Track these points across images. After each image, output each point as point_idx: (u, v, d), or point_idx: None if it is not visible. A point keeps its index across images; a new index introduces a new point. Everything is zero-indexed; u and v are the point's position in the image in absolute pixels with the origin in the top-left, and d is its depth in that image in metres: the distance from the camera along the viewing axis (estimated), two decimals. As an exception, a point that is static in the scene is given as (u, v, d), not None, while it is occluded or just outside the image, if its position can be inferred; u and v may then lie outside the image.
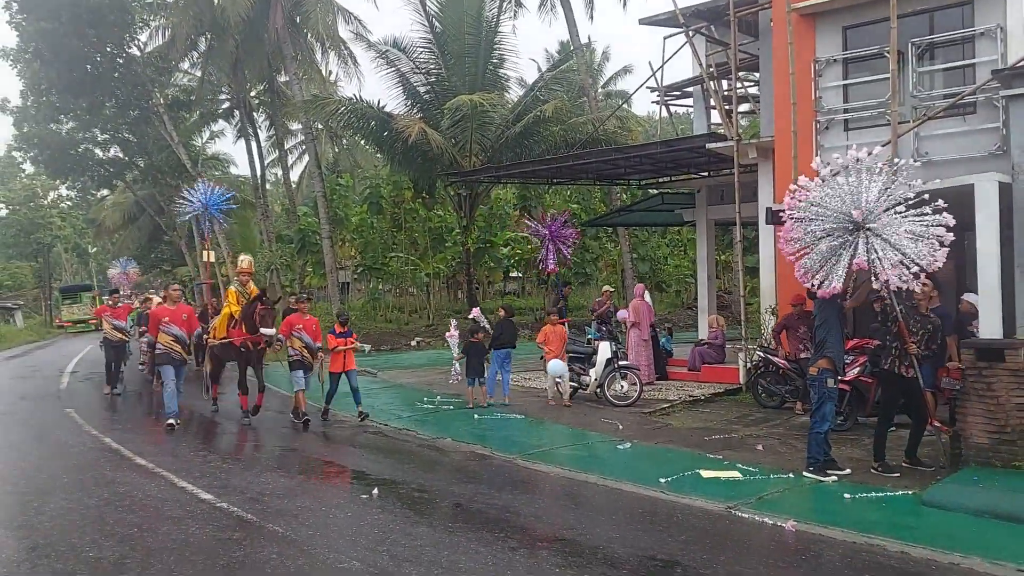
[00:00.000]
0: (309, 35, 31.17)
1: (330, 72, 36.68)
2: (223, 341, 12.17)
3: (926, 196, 7.58)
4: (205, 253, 20.11)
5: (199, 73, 34.61)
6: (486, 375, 12.86)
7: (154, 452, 9.81)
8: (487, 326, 14.06)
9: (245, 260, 12.77)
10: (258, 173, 35.71)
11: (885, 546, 5.96)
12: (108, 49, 31.91)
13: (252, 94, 36.14)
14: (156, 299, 17.11)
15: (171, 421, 11.28)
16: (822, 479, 7.86)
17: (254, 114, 36.84)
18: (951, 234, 7.43)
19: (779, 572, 5.65)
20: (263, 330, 11.40)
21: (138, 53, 33.21)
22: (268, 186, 43.29)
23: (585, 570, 5.54)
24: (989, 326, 9.44)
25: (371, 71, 57.89)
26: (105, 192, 46.36)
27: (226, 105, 37.42)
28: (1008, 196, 9.76)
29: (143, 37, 33.31)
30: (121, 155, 38.70)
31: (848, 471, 8.02)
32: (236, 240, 37.29)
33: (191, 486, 7.95)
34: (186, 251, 41.50)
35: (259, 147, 36.80)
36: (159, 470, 8.72)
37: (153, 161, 36.36)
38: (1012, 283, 9.74)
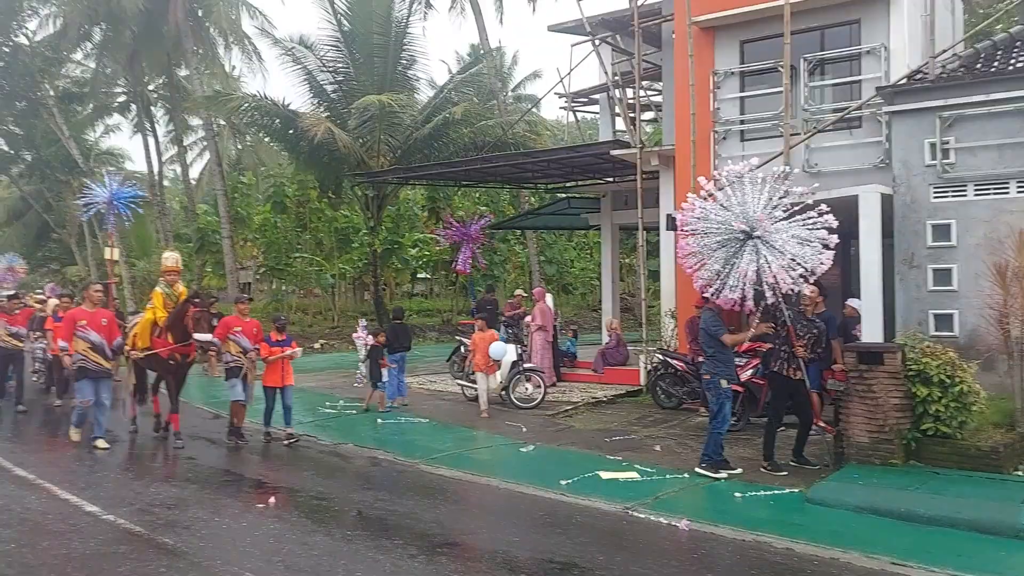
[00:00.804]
0: (212, 29, 30.27)
1: (233, 67, 35.77)
2: (147, 353, 10.62)
3: (810, 201, 7.99)
4: (108, 250, 18.98)
5: (93, 65, 33.07)
6: (384, 380, 12.74)
7: (37, 463, 9.32)
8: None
9: (171, 258, 11.32)
10: (155, 170, 34.41)
11: (772, 543, 6.20)
12: (-7, 38, 30.21)
13: (150, 88, 34.80)
14: (53, 301, 15.72)
15: (76, 435, 10.14)
16: (714, 476, 8.14)
17: (152, 108, 35.48)
18: (835, 236, 7.85)
19: (672, 570, 5.79)
20: (197, 336, 10.01)
21: (26, 42, 31.51)
22: (166, 183, 41.74)
23: (483, 575, 5.57)
24: (871, 330, 9.95)
25: (277, 68, 56.65)
26: (-12, 186, 43.82)
27: (122, 99, 35.89)
28: (890, 207, 10.33)
29: (32, 25, 31.64)
30: (6, 148, 36.66)
31: (739, 470, 8.31)
32: (131, 239, 35.79)
33: (75, 498, 7.58)
34: (76, 249, 39.63)
35: (157, 143, 35.47)
36: (41, 481, 8.29)
37: (41, 155, 34.56)
38: (893, 289, 10.32)
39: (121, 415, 11.35)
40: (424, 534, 6.56)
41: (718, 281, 8.10)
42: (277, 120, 24.37)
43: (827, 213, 7.88)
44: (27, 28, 31.49)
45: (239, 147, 42.83)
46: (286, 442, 10.27)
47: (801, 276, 7.92)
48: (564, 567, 5.74)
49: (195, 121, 36.75)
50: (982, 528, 6.32)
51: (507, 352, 12.46)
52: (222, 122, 33.66)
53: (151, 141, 34.28)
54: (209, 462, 9.64)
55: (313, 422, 11.91)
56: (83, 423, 10.30)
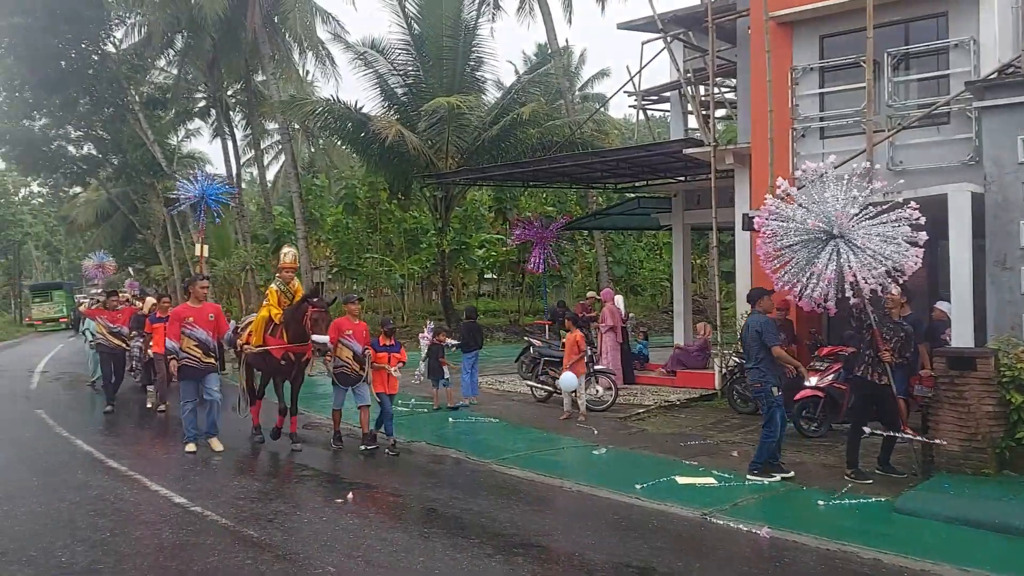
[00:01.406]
0: (287, 35, 31.01)
1: (307, 72, 36.51)
2: (260, 350, 10.16)
3: (899, 200, 7.75)
4: (198, 247, 18.36)
5: (175, 71, 34.28)
6: (446, 376, 12.81)
7: (127, 455, 9.70)
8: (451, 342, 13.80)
9: (289, 254, 10.68)
10: (234, 172, 35.42)
11: (858, 553, 6.01)
12: (83, 46, 31.53)
13: (229, 93, 35.85)
14: (151, 300, 15.37)
15: (191, 447, 9.73)
16: (766, 480, 8.03)
17: (231, 113, 36.53)
18: (923, 233, 7.58)
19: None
20: (315, 337, 9.54)
21: (113, 50, 32.81)
22: (243, 185, 42.92)
23: (561, 577, 5.56)
24: (961, 334, 9.56)
25: (349, 72, 57.59)
26: (78, 189, 45.85)
27: (202, 104, 37.08)
28: (980, 206, 9.91)
29: (119, 34, 32.92)
30: (95, 152, 38.27)
31: (792, 474, 8.14)
32: (211, 239, 36.94)
33: (165, 489, 7.86)
34: (160, 250, 41.10)
35: (235, 146, 36.50)
36: (132, 473, 8.62)
37: (127, 159, 35.95)
38: (984, 292, 9.90)
39: (241, 416, 10.76)
40: (499, 534, 6.57)
41: (800, 284, 7.92)
42: (349, 123, 24.81)
43: (915, 210, 7.63)
44: (114, 36, 32.80)
45: (312, 150, 43.80)
46: (363, 447, 9.98)
47: (887, 275, 7.68)
48: (642, 571, 5.68)
49: (271, 125, 37.71)
50: (1084, 543, 6.02)
51: (577, 383, 11.92)
52: (296, 126, 34.47)
53: (229, 145, 35.33)
54: (287, 457, 9.81)
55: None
56: (192, 436, 9.86)
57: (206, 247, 15.43)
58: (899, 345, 8.21)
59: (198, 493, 7.71)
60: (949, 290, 9.95)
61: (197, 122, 38.95)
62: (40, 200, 59.26)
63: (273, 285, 10.49)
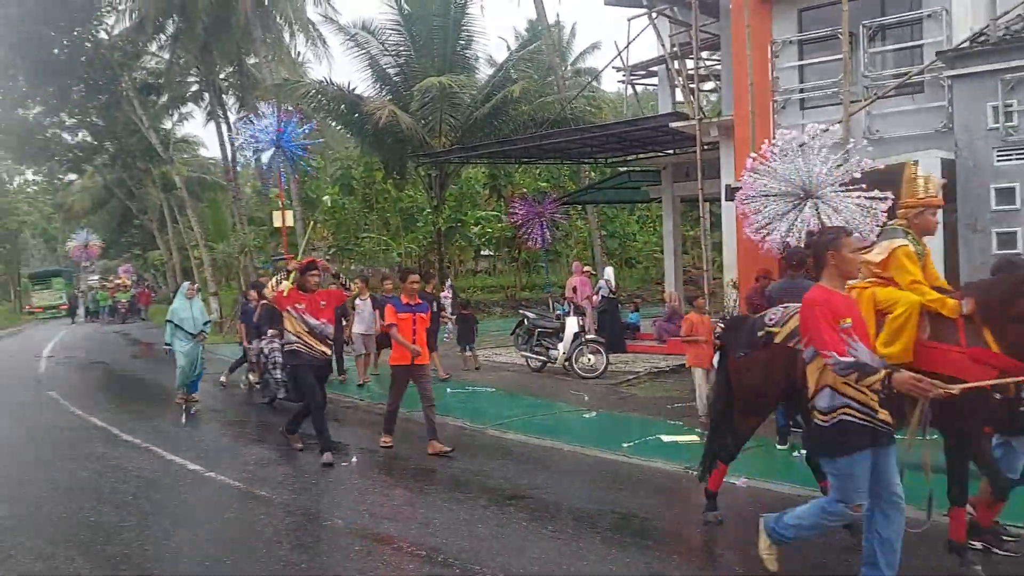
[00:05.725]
0: (278, 17, 31.15)
1: (300, 54, 36.62)
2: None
3: (858, 175, 8.31)
4: (278, 214, 13.62)
5: (167, 56, 34.39)
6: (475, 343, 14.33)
7: (141, 429, 10.10)
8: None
9: (932, 183, 5.54)
10: (229, 156, 35.67)
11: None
12: (75, 33, 31.63)
13: (221, 77, 35.96)
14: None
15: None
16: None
17: (224, 96, 36.65)
18: (886, 215, 8.11)
19: (726, 519, 6.12)
20: None
21: (106, 36, 32.91)
22: (239, 168, 43.14)
23: (550, 522, 6.02)
24: (931, 295, 9.99)
25: (341, 53, 57.59)
26: (73, 176, 46.03)
27: (195, 88, 37.18)
28: (953, 171, 10.30)
29: (110, 20, 33.00)
30: (90, 139, 38.43)
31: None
32: (208, 222, 37.26)
33: (179, 459, 8.31)
34: (158, 234, 41.39)
35: (229, 129, 36.66)
36: (147, 445, 9.06)
37: (123, 145, 36.16)
38: (956, 254, 10.32)
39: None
40: (494, 489, 7.03)
41: (769, 227, 8.45)
42: (342, 105, 25.06)
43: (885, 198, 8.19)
44: (106, 23, 32.89)
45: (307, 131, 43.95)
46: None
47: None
48: (625, 516, 6.15)
49: (265, 108, 37.85)
50: None
51: None
52: (291, 108, 34.60)
53: (224, 128, 35.52)
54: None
55: (385, 393, 12.42)
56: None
57: (288, 213, 10.51)
58: None
59: (211, 462, 8.14)
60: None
61: (190, 106, 39.03)
62: (35, 188, 59.38)
63: (904, 241, 5.22)
